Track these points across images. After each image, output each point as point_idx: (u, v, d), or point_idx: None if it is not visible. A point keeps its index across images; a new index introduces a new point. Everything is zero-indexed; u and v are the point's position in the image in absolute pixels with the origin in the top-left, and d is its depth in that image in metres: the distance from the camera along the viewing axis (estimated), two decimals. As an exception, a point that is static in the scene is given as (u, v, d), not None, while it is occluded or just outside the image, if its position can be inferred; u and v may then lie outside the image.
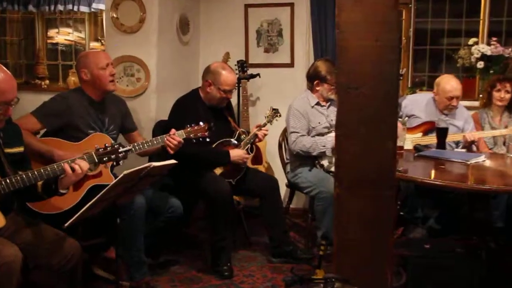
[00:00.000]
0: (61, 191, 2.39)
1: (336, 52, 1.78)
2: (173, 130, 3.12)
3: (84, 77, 3.14)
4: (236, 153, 3.56)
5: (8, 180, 2.19)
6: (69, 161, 2.35)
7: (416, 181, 2.74)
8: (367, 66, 1.72)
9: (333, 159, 3.53)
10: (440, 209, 3.92)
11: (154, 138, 3.09)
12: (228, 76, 3.60)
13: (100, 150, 2.43)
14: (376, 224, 1.82)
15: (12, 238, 2.31)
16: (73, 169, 2.33)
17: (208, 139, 3.23)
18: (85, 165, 2.36)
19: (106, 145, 2.45)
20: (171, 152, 3.08)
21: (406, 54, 4.80)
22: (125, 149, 2.46)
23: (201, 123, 3.18)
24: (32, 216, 2.61)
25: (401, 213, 3.90)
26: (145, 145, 3.00)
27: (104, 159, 2.43)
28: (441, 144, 3.58)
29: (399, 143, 3.32)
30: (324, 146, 3.63)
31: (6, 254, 2.10)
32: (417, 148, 3.52)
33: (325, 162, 3.68)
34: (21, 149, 2.48)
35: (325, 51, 4.47)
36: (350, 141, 1.81)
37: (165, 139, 3.08)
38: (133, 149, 2.89)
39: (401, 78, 4.63)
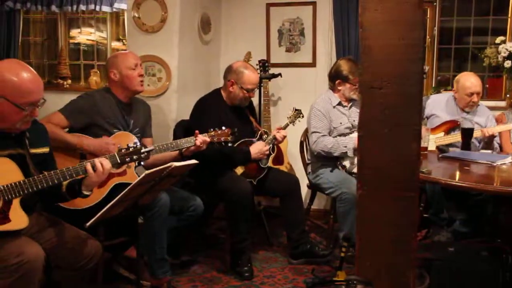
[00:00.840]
0: (85, 192, 2.40)
1: (359, 52, 1.78)
2: (197, 132, 3.14)
3: (113, 77, 3.19)
4: (255, 149, 3.56)
5: (31, 180, 2.22)
6: (92, 161, 2.38)
7: (440, 182, 2.71)
8: (390, 65, 1.71)
9: (355, 160, 3.54)
10: (465, 212, 3.87)
11: (178, 140, 3.10)
12: (251, 75, 3.61)
13: (122, 150, 2.45)
14: (399, 225, 1.80)
15: (35, 237, 2.35)
16: (94, 168, 2.34)
17: (230, 144, 3.25)
18: (107, 164, 2.37)
19: (129, 145, 2.46)
20: (198, 146, 3.10)
21: (431, 53, 4.76)
22: (147, 149, 2.48)
23: (223, 128, 3.20)
24: (55, 213, 2.65)
25: (426, 215, 3.87)
26: (168, 146, 3.02)
27: (127, 159, 2.45)
28: (466, 145, 3.54)
29: (423, 144, 3.29)
30: (345, 146, 3.61)
31: (29, 253, 2.13)
32: (442, 149, 3.48)
33: (347, 163, 3.66)
34: (46, 149, 2.50)
35: (348, 51, 4.45)
36: (373, 142, 1.80)
37: (195, 137, 3.10)
38: (156, 149, 2.93)
39: (425, 77, 4.59)
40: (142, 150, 2.46)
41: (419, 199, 2.08)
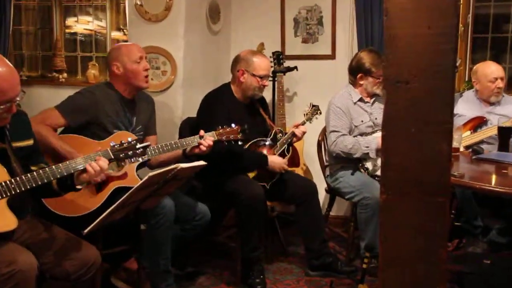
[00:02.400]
0: (78, 186, 2.43)
1: (384, 42, 1.77)
2: (201, 132, 3.15)
3: (116, 71, 3.21)
4: (276, 160, 3.57)
5: (18, 180, 2.23)
6: (86, 157, 2.39)
7: (473, 187, 2.69)
8: (418, 57, 1.70)
9: (379, 162, 3.54)
10: (503, 220, 3.85)
11: (178, 140, 3.12)
12: (261, 60, 3.64)
13: (116, 146, 2.47)
14: (427, 234, 1.80)
15: (28, 244, 2.37)
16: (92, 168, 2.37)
17: (240, 143, 3.26)
18: (104, 163, 2.39)
19: (122, 141, 2.49)
20: (203, 151, 3.11)
21: (464, 43, 4.73)
22: (143, 144, 2.49)
23: (233, 125, 3.21)
24: (50, 218, 2.67)
25: (457, 223, 3.84)
26: (172, 146, 3.04)
27: (121, 155, 2.46)
28: (504, 146, 3.51)
29: (454, 145, 3.28)
30: (367, 147, 3.60)
31: (21, 261, 2.15)
32: (475, 150, 3.46)
33: (369, 165, 3.66)
34: (30, 142, 2.51)
35: (371, 41, 4.44)
36: (399, 142, 1.79)
37: (197, 139, 3.11)
38: (159, 148, 2.94)
39: (457, 70, 4.57)
40: (137, 146, 2.48)
41: (450, 205, 2.07)
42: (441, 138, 1.74)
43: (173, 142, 3.07)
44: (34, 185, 2.26)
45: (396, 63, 1.74)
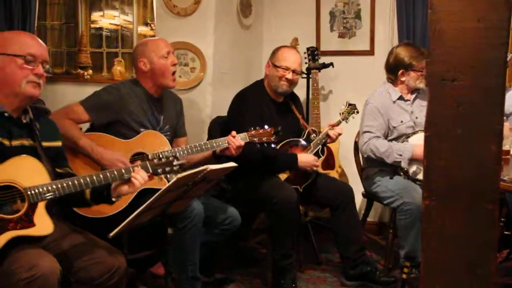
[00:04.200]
0: (113, 199, 2.48)
1: (428, 37, 1.75)
2: (233, 133, 3.15)
3: (143, 67, 3.23)
4: (305, 158, 3.56)
5: (59, 184, 2.29)
6: (126, 169, 2.45)
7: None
8: (466, 52, 1.67)
9: (421, 165, 3.49)
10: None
11: (208, 141, 3.13)
12: (287, 51, 3.65)
13: (154, 160, 2.53)
14: (474, 243, 1.76)
15: (51, 248, 2.40)
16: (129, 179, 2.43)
17: (274, 145, 3.26)
18: (144, 175, 2.45)
19: (160, 156, 2.54)
20: (233, 153, 3.11)
21: (515, 37, 4.63)
22: (179, 162, 2.55)
23: (266, 127, 3.21)
24: (73, 221, 2.71)
25: (507, 232, 3.77)
26: (202, 148, 3.05)
27: (159, 170, 2.52)
28: None
29: (505, 147, 3.21)
30: (400, 155, 3.57)
31: (43, 266, 2.17)
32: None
33: (410, 168, 3.61)
34: (59, 143, 2.60)
35: (413, 36, 4.39)
36: (443, 144, 1.76)
37: (227, 139, 3.12)
38: (189, 151, 2.97)
39: (507, 66, 4.48)
40: (174, 163, 2.54)
41: (499, 213, 2.03)
42: (490, 140, 1.70)
43: (202, 143, 3.08)
44: (73, 190, 2.32)
45: (441, 59, 1.71)
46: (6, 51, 2.35)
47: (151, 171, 2.50)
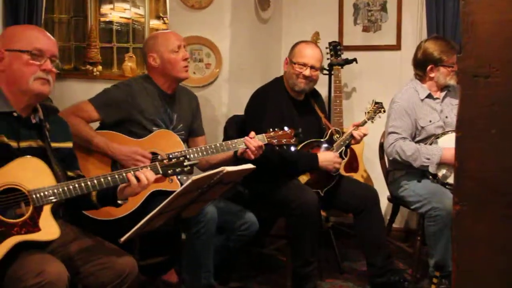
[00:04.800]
0: (119, 202, 2.51)
1: (460, 30, 1.74)
2: (252, 133, 3.16)
3: (152, 63, 3.25)
4: (325, 157, 3.55)
5: (65, 186, 2.32)
6: (133, 170, 2.46)
7: None
8: (502, 47, 1.66)
9: (451, 168, 3.46)
10: None
11: (224, 142, 3.13)
12: (304, 46, 3.64)
13: (164, 160, 2.54)
14: (509, 253, 1.75)
15: (59, 252, 2.43)
16: (138, 179, 2.44)
17: (293, 148, 3.25)
18: (151, 175, 2.46)
19: (171, 156, 2.56)
20: (252, 157, 3.12)
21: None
22: (191, 162, 2.56)
23: (286, 128, 3.21)
24: (81, 224, 2.73)
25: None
26: (217, 149, 3.05)
27: (169, 171, 2.53)
28: None
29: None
30: (428, 159, 3.55)
31: (50, 272, 2.19)
32: None
33: (440, 171, 3.58)
34: (69, 144, 2.62)
35: (443, 29, 4.35)
36: (476, 145, 1.75)
37: (244, 140, 3.13)
38: (200, 155, 2.98)
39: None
40: (185, 163, 2.55)
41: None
42: (527, 141, 1.69)
43: (218, 144, 3.09)
44: (80, 193, 2.35)
45: (474, 54, 1.70)
46: (12, 47, 2.37)
47: (161, 172, 2.52)
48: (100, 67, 5.61)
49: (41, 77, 2.38)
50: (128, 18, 5.68)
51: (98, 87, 3.39)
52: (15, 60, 2.36)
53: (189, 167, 2.56)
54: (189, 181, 2.28)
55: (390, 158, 3.74)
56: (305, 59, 3.61)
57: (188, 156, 2.59)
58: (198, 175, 2.32)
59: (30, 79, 2.36)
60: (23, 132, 2.41)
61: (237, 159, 3.20)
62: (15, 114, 2.38)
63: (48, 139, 2.47)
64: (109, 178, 2.41)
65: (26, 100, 2.40)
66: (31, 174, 2.29)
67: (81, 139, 2.99)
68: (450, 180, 3.51)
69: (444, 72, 3.71)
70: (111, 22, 5.75)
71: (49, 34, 2.48)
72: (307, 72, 3.59)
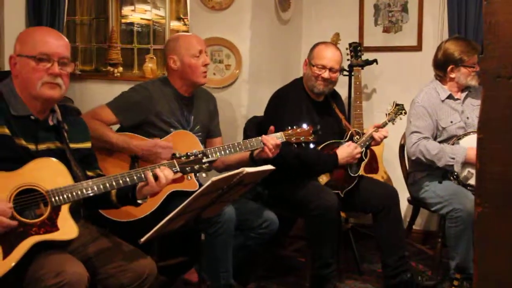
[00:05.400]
0: (139, 201, 2.52)
1: (483, 31, 1.72)
2: (272, 127, 3.15)
3: (172, 65, 3.26)
4: (344, 152, 3.52)
5: (82, 185, 2.34)
6: (151, 168, 2.47)
7: None
8: (524, 48, 1.65)
9: (473, 168, 3.43)
10: None
11: (242, 141, 3.12)
12: (324, 48, 3.61)
13: (182, 157, 2.55)
14: (532, 255, 1.73)
15: (79, 253, 2.44)
16: (156, 177, 2.45)
17: (312, 145, 3.24)
18: (169, 173, 2.47)
19: (188, 153, 2.56)
20: (270, 155, 3.11)
21: None
22: (209, 159, 2.57)
23: (304, 126, 3.20)
24: (101, 224, 2.75)
25: None
26: (235, 148, 3.05)
27: (187, 168, 2.54)
28: None
29: None
30: (453, 158, 3.52)
31: (70, 272, 2.20)
32: None
33: (461, 172, 3.55)
34: (88, 144, 2.64)
35: (465, 30, 4.31)
36: (499, 147, 1.74)
37: (262, 138, 3.12)
38: (218, 155, 2.97)
39: None
40: (203, 160, 2.55)
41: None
42: (551, 143, 1.67)
43: (236, 144, 3.07)
44: (97, 191, 2.36)
45: (497, 54, 1.69)
46: (21, 52, 2.37)
47: (178, 169, 2.52)
48: (121, 68, 5.63)
49: (48, 82, 2.37)
50: (149, 20, 5.71)
51: (118, 88, 3.41)
52: (24, 66, 2.36)
53: (207, 164, 2.56)
54: (209, 182, 2.29)
55: (413, 158, 3.71)
56: (324, 61, 3.59)
57: (206, 153, 2.59)
58: (218, 176, 2.33)
59: (37, 84, 2.35)
60: (41, 135, 2.42)
61: (253, 160, 3.19)
62: (32, 117, 2.39)
63: (66, 140, 2.48)
64: (127, 177, 2.42)
65: (40, 104, 2.41)
66: (49, 175, 2.31)
67: (102, 142, 3.01)
68: (472, 181, 3.48)
69: (465, 72, 3.69)
70: (132, 24, 5.78)
71: (59, 35, 2.46)
72: (325, 74, 3.57)
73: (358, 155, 3.56)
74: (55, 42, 2.40)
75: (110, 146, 3.06)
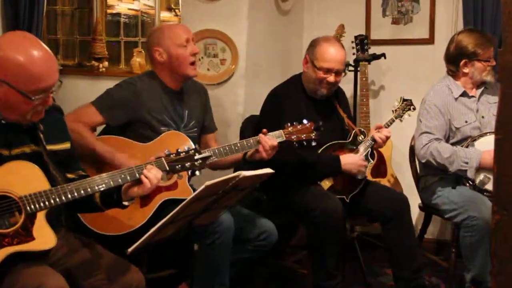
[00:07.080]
0: (124, 203, 2.50)
1: (501, 22, 1.72)
2: (264, 131, 3.14)
3: (158, 58, 3.25)
4: (349, 159, 3.52)
5: (60, 190, 2.31)
6: (137, 168, 2.45)
7: None
8: (547, 40, 1.65)
9: (489, 173, 3.44)
10: None
11: (238, 142, 3.12)
12: (328, 48, 3.56)
13: (171, 155, 2.52)
14: (555, 266, 1.74)
15: (60, 265, 2.43)
16: (141, 180, 2.44)
17: (314, 143, 3.22)
18: (157, 173, 2.45)
19: (179, 150, 2.53)
20: (264, 156, 3.10)
21: None
22: (202, 155, 2.53)
23: (305, 122, 3.19)
24: (85, 233, 2.74)
25: None
26: (231, 150, 3.05)
27: (177, 167, 2.51)
28: None
29: None
30: (466, 162, 3.52)
31: (49, 286, 2.19)
32: None
33: (477, 177, 3.55)
34: (67, 145, 2.59)
35: (481, 21, 4.32)
36: (518, 148, 1.74)
37: (259, 137, 3.11)
38: (212, 155, 2.95)
39: None
40: (196, 157, 2.52)
41: None
42: None
43: (232, 144, 3.07)
44: (77, 195, 2.34)
45: (516, 48, 1.69)
46: (9, 81, 2.24)
47: (167, 168, 2.50)
48: (106, 63, 5.61)
49: (39, 111, 2.35)
50: (137, 10, 5.70)
51: (103, 85, 3.40)
52: (12, 95, 2.25)
53: (200, 161, 2.52)
54: (203, 186, 2.28)
55: (423, 161, 3.71)
56: (330, 63, 3.52)
57: (198, 150, 2.57)
58: (212, 180, 2.32)
59: (28, 114, 2.31)
60: (14, 139, 2.38)
61: (246, 162, 3.19)
62: (3, 121, 2.35)
63: (43, 142, 2.45)
64: (109, 178, 2.40)
65: (17, 119, 2.37)
66: (23, 179, 2.28)
67: (85, 150, 2.99)
68: (489, 186, 3.48)
69: (479, 67, 3.69)
70: (118, 14, 5.76)
71: (51, 61, 2.31)
72: (331, 78, 3.54)
73: (363, 169, 3.54)
74: (51, 73, 2.30)
75: (93, 155, 3.04)
